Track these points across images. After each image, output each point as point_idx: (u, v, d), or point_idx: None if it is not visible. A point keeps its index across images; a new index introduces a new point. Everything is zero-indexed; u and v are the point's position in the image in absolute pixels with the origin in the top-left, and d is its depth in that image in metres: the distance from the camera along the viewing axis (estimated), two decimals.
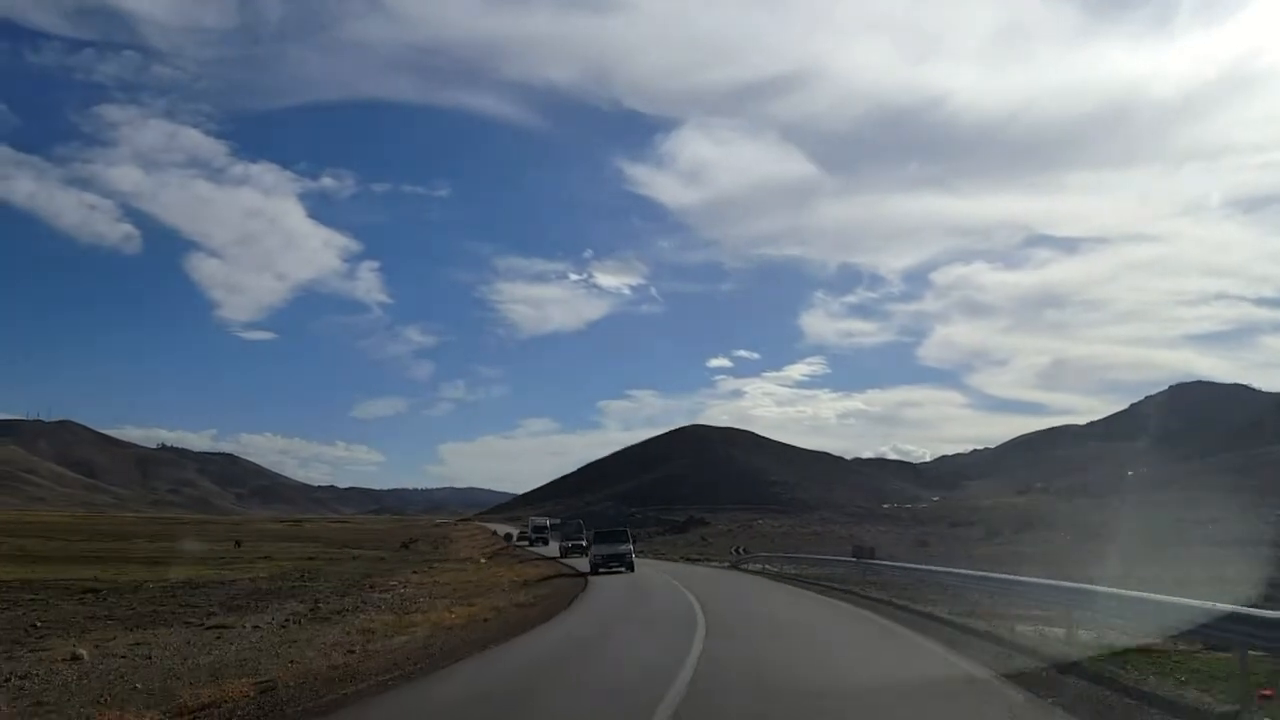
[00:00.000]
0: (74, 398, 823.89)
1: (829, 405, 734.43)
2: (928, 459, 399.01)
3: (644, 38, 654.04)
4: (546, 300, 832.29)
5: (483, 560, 61.91)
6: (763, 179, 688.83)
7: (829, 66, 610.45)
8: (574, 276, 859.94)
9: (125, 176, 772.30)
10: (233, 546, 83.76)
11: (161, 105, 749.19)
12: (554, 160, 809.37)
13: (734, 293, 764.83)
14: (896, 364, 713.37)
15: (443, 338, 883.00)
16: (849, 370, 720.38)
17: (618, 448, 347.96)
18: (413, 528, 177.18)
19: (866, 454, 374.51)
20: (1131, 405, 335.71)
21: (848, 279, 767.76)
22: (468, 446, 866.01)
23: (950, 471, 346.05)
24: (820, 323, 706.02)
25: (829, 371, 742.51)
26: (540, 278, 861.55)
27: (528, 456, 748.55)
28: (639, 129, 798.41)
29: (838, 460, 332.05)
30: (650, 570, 46.81)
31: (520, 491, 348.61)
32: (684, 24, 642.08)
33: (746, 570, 48.27)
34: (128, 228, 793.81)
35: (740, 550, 53.01)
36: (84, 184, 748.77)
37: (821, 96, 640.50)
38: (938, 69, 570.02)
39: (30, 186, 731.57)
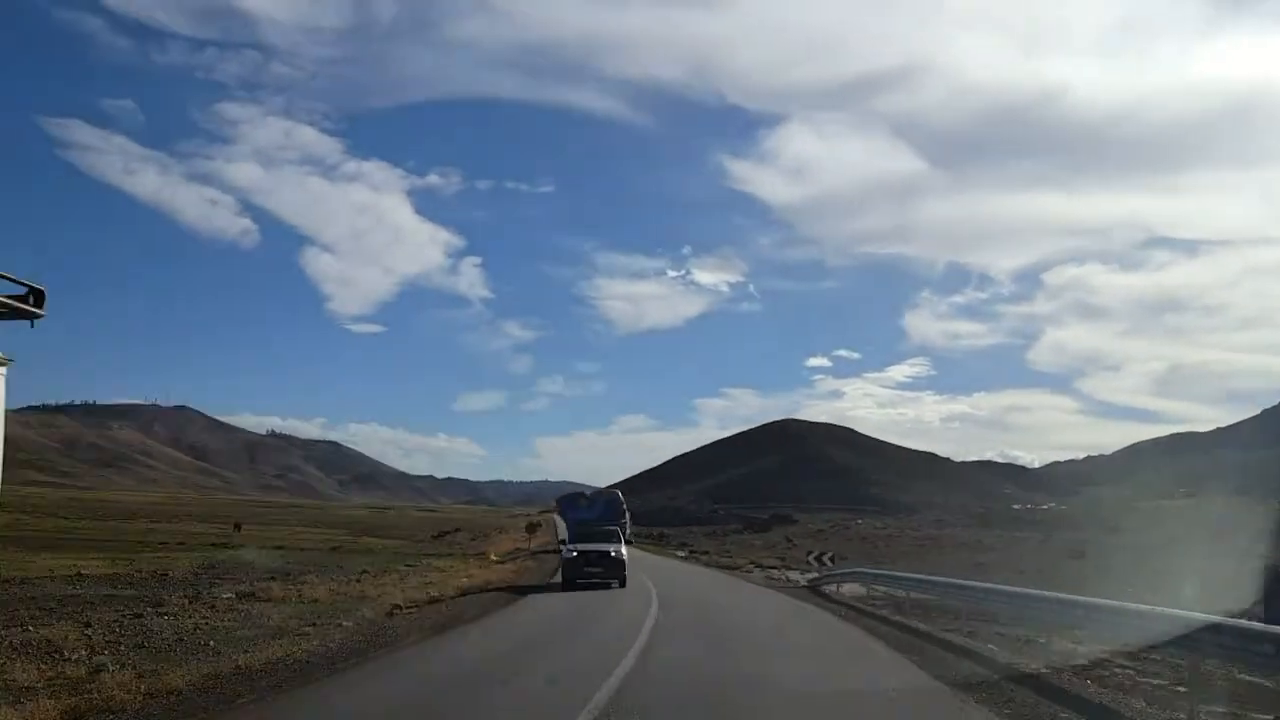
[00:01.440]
0: (191, 384, 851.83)
1: (932, 408, 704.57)
2: (1035, 465, 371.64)
3: (749, 32, 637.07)
4: (644, 297, 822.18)
5: (493, 558, 48.23)
6: (868, 175, 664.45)
7: (940, 60, 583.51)
8: (672, 273, 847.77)
9: (244, 173, 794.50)
10: (232, 530, 73.52)
11: (279, 103, 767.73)
12: (655, 156, 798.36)
13: (835, 291, 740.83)
14: (1005, 367, 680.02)
15: (542, 333, 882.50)
16: (954, 372, 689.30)
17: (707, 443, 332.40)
18: (487, 517, 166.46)
19: (971, 458, 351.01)
20: (1263, 411, 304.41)
21: (955, 279, 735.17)
22: (563, 441, 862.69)
23: (1064, 477, 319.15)
24: (925, 323, 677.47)
25: (933, 373, 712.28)
26: (639, 274, 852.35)
27: (622, 452, 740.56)
28: (742, 124, 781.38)
29: (943, 462, 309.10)
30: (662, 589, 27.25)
31: (601, 485, 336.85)
32: (790, 17, 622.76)
33: (833, 601, 24.50)
34: (246, 222, 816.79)
35: (824, 559, 29.76)
36: (205, 179, 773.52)
37: (931, 91, 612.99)
38: (1054, 62, 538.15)
39: (155, 181, 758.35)
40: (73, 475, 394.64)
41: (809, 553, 34.57)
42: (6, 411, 9.20)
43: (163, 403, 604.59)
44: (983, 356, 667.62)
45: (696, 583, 33.08)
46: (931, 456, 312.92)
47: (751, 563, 53.15)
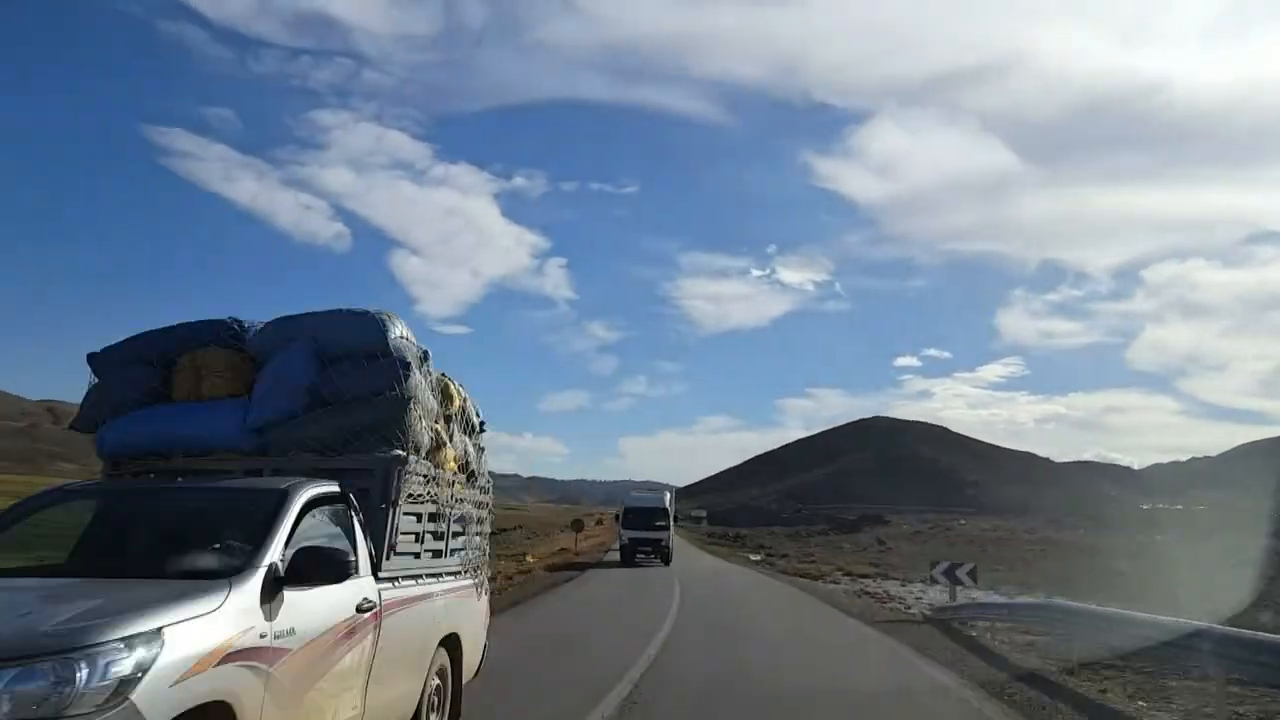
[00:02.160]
0: None
1: (1026, 408, 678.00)
2: (1136, 467, 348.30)
3: (835, 28, 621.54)
4: (728, 297, 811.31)
5: (531, 560, 39.40)
6: (958, 171, 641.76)
7: (1033, 52, 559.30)
8: (756, 272, 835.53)
9: (337, 178, 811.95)
10: None
11: (371, 109, 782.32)
12: (740, 156, 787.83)
13: (924, 289, 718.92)
14: (1102, 366, 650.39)
15: (625, 333, 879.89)
16: (1049, 372, 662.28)
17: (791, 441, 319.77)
18: (557, 516, 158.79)
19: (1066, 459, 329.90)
20: None
21: (1049, 276, 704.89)
22: (647, 441, 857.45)
23: (1168, 479, 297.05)
24: (1018, 321, 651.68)
25: (1027, 373, 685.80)
26: (723, 274, 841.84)
27: (705, 452, 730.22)
28: (829, 122, 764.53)
29: (1041, 461, 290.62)
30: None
31: (681, 484, 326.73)
32: (877, 12, 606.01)
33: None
34: (339, 226, 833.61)
35: (957, 573, 18.66)
36: (300, 185, 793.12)
37: (1023, 84, 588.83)
38: (1153, 53, 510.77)
39: (253, 187, 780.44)
40: None
41: (934, 564, 22.49)
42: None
43: None
44: (1078, 356, 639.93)
45: (753, 607, 21.39)
46: (1029, 456, 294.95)
47: (839, 570, 43.10)
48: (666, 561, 38.55)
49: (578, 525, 50.82)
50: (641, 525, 39.73)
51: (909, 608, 23.29)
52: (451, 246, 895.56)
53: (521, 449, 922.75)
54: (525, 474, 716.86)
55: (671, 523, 41.33)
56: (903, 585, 35.15)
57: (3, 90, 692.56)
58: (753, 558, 56.99)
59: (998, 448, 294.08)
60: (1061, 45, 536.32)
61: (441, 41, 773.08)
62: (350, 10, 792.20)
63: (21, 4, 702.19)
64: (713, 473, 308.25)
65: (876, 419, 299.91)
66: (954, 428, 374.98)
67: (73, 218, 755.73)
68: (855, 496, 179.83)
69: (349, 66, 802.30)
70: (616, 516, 42.66)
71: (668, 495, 43.78)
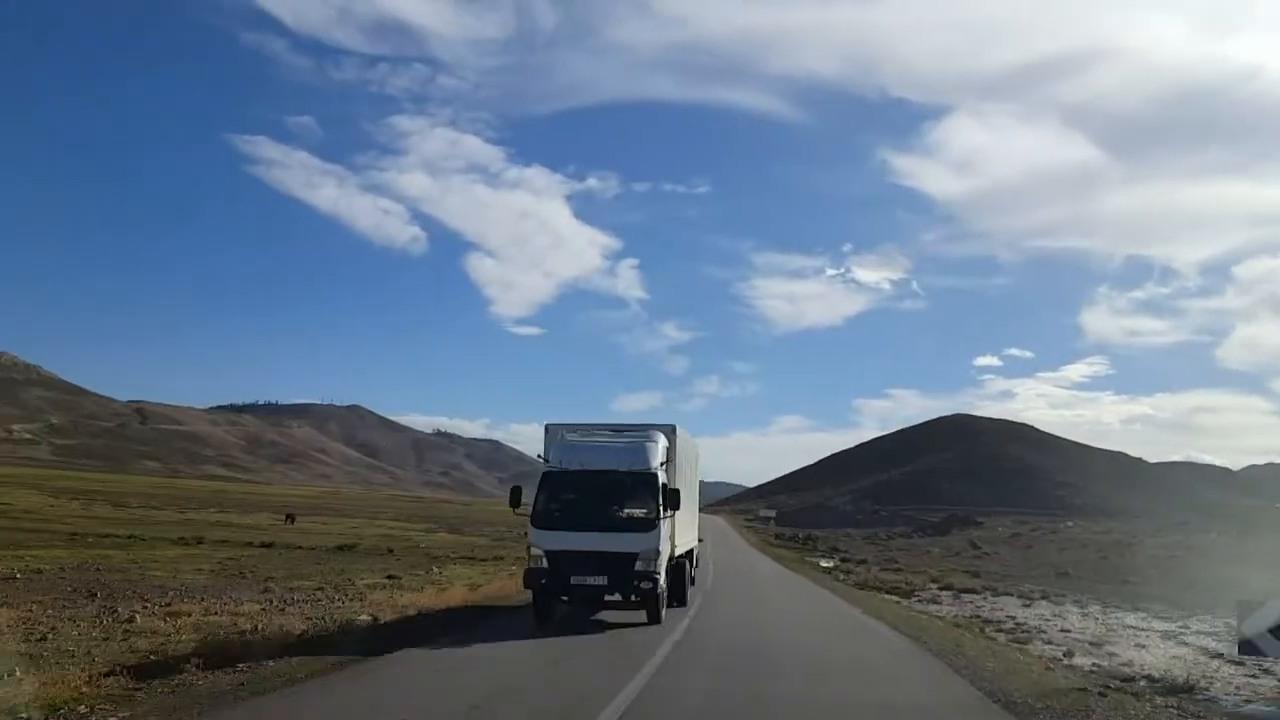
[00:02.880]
0: (364, 385, 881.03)
1: (1111, 409, 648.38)
2: (1234, 468, 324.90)
3: (913, 21, 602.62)
4: (803, 296, 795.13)
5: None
6: (1040, 166, 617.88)
7: (1118, 43, 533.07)
8: (831, 271, 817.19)
9: (414, 183, 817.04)
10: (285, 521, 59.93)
11: (446, 114, 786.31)
12: (815, 153, 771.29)
13: (1005, 287, 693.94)
14: (1191, 366, 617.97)
15: (698, 333, 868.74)
16: (1135, 372, 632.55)
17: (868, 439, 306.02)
18: None
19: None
20: None
21: (1135, 273, 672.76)
22: (720, 442, 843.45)
23: (1271, 480, 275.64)
24: (1103, 320, 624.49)
25: (1112, 373, 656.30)
26: (797, 273, 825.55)
27: (780, 453, 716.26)
28: (906, 117, 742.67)
29: (1134, 462, 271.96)
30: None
31: (749, 484, 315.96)
32: (956, 5, 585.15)
33: None
34: (415, 230, 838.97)
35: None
36: (379, 190, 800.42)
37: (1108, 76, 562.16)
38: (1244, 43, 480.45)
39: (333, 193, 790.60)
40: (253, 470, 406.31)
41: (1241, 605, 11.08)
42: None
43: (337, 403, 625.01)
44: (1166, 355, 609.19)
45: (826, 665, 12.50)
46: (1120, 456, 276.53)
47: (932, 580, 33.88)
48: (655, 616, 15.77)
49: None
50: (587, 517, 15.81)
51: (1068, 656, 14.22)
52: (525, 248, 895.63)
53: None
54: None
55: (683, 513, 17.51)
56: (1025, 605, 26.04)
57: (97, 103, 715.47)
58: (824, 564, 47.99)
59: (1086, 447, 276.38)
60: (1146, 35, 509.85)
61: (513, 45, 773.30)
62: (426, 16, 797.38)
63: (114, 20, 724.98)
64: (785, 472, 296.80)
65: (956, 416, 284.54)
66: (1039, 427, 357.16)
67: (162, 226, 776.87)
68: (936, 497, 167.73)
69: (425, 72, 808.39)
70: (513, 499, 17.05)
71: (661, 443, 16.99)
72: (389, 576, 27.48)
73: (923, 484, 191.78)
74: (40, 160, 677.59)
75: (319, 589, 23.02)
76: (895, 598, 27.16)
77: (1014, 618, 22.76)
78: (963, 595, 29.77)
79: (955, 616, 22.02)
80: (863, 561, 49.05)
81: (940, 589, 31.58)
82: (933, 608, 24.34)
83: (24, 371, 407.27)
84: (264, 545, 39.14)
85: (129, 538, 38.66)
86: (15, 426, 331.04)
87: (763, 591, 25.80)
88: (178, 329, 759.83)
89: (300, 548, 39.42)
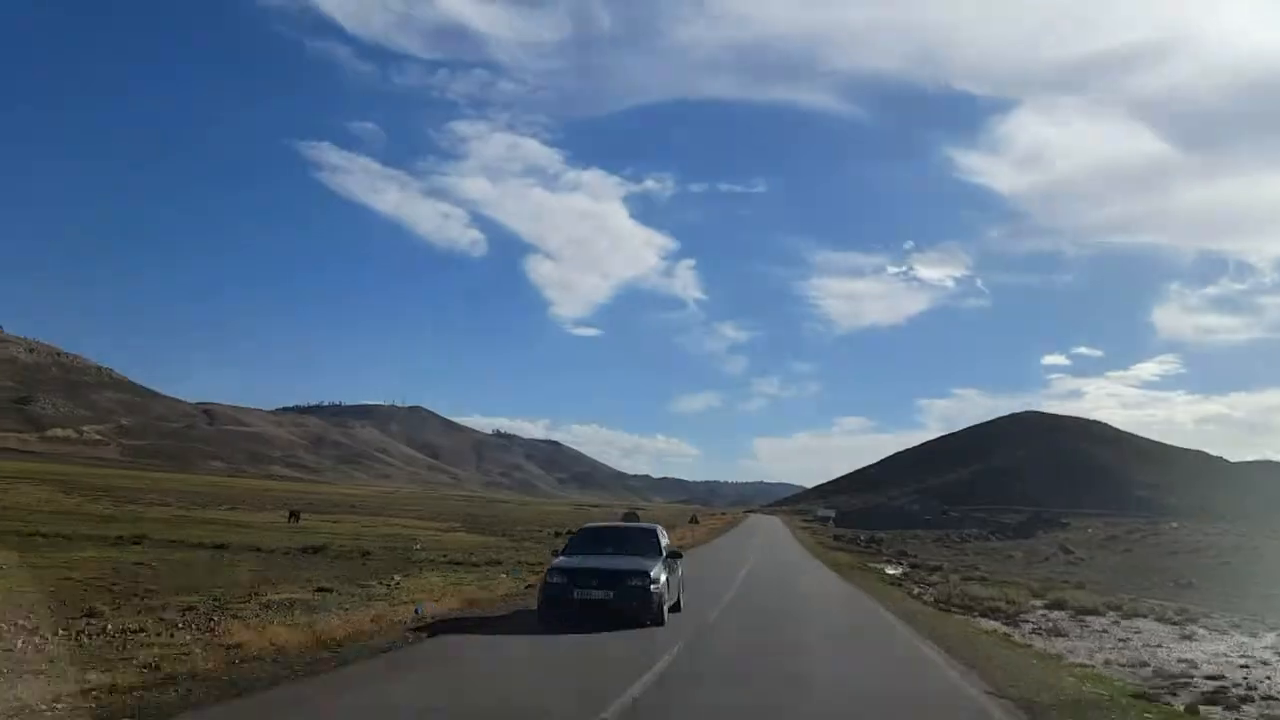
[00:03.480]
0: (426, 386, 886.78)
1: (1184, 408, 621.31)
2: None
3: (977, 14, 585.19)
4: (863, 294, 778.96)
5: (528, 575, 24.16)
6: (1108, 161, 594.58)
7: (1189, 34, 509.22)
8: (893, 269, 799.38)
9: (474, 186, 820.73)
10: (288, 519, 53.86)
11: (505, 118, 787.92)
12: (875, 150, 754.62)
13: (1073, 284, 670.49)
14: (1268, 363, 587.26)
15: (757, 333, 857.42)
16: (1209, 370, 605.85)
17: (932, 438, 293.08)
18: (655, 514, 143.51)
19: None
20: None
21: (1209, 269, 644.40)
22: (781, 442, 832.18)
23: None
24: (1175, 317, 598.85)
25: (1184, 371, 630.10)
26: (857, 271, 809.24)
27: (841, 454, 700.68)
28: (970, 113, 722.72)
29: (1216, 461, 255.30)
30: None
31: (809, 485, 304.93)
32: None
33: None
34: (476, 233, 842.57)
35: None
36: (440, 194, 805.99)
37: (1179, 68, 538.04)
38: None
39: (396, 197, 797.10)
40: (317, 471, 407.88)
41: None
42: None
43: (400, 404, 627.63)
44: (1241, 353, 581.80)
45: None
46: (1200, 455, 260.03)
47: (1033, 595, 25.51)
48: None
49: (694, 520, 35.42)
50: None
51: None
52: (583, 250, 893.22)
53: (653, 450, 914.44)
54: (656, 475, 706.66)
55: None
56: (1182, 635, 17.81)
57: (166, 110, 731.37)
58: (890, 571, 39.70)
59: (1165, 445, 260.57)
60: (1219, 25, 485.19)
61: (570, 48, 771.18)
62: (485, 21, 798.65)
63: (185, 32, 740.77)
64: (845, 472, 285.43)
65: (1026, 414, 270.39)
66: (1113, 424, 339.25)
67: (230, 230, 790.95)
68: (1008, 497, 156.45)
69: (484, 76, 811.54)
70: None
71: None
72: (319, 590, 20.42)
73: (993, 484, 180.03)
74: (114, 168, 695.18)
75: (189, 610, 16.14)
76: (994, 623, 19.16)
77: (1190, 661, 14.67)
78: (1082, 617, 21.66)
79: (1109, 662, 14.05)
80: (937, 568, 40.69)
81: (1047, 607, 23.48)
82: (1060, 643, 16.22)
83: (95, 374, 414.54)
84: (217, 546, 32.45)
85: (51, 536, 32.23)
86: (86, 427, 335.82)
87: (799, 615, 18.12)
88: (246, 332, 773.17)
89: (260, 550, 32.62)
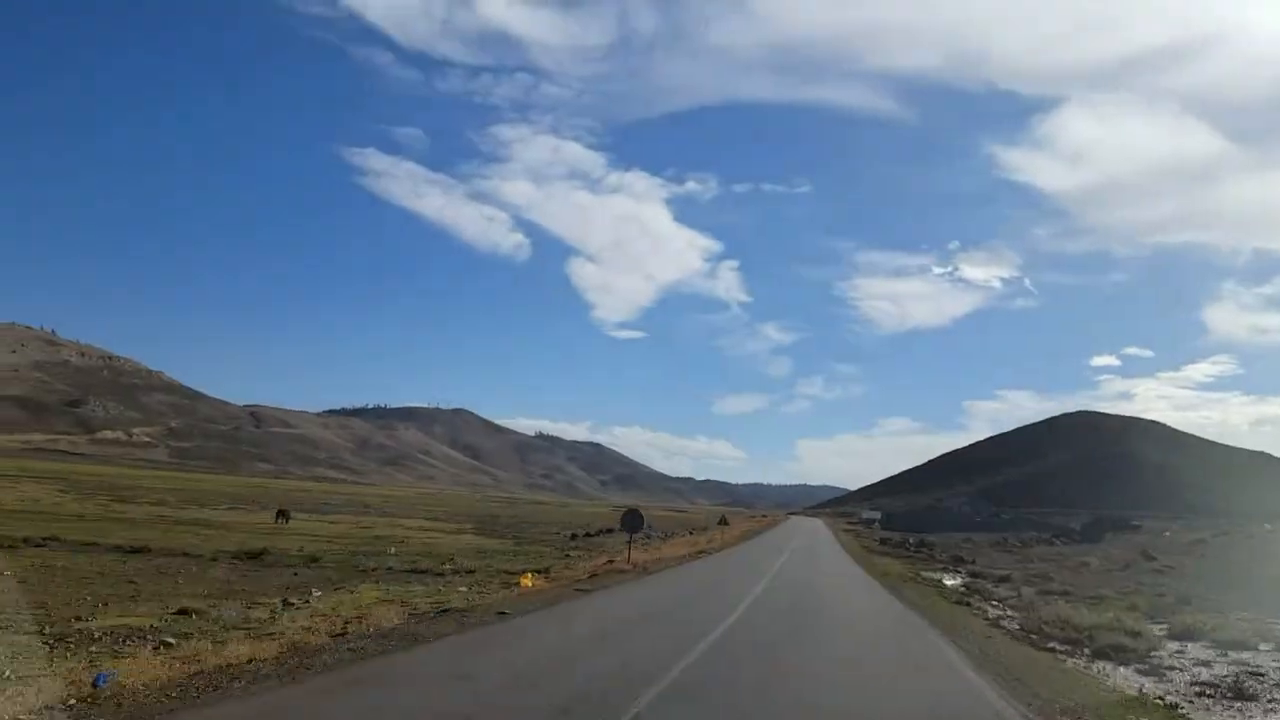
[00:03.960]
0: (469, 389, 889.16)
1: (1239, 410, 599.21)
2: None
3: (1020, 10, 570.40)
4: (907, 296, 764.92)
5: (528, 583, 18.26)
6: (1158, 157, 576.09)
7: (1238, 26, 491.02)
8: (938, 270, 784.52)
9: (517, 190, 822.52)
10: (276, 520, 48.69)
11: (548, 122, 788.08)
12: (918, 150, 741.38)
13: (1122, 284, 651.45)
14: None
15: (800, 335, 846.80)
16: (1266, 371, 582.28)
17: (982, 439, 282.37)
18: (691, 517, 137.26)
19: None
20: None
21: (1264, 267, 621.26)
22: (824, 444, 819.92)
23: None
24: (1228, 316, 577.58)
25: (1240, 372, 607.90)
26: (901, 272, 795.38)
27: (886, 455, 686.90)
28: (1014, 111, 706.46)
29: (1275, 461, 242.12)
30: None
31: (854, 487, 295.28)
32: None
33: None
34: (519, 236, 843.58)
35: None
36: (483, 198, 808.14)
37: (1230, 61, 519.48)
38: None
39: (439, 201, 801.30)
40: (361, 472, 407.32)
41: None
42: None
43: (443, 406, 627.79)
44: None
45: None
46: (1263, 456, 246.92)
47: (1150, 620, 19.00)
48: None
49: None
50: None
51: None
52: (625, 252, 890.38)
53: (695, 452, 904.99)
54: (699, 477, 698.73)
55: None
56: None
57: (213, 117, 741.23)
58: (948, 582, 33.27)
59: (1224, 446, 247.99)
60: (1271, 17, 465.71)
61: (614, 51, 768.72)
62: (527, 26, 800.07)
63: (228, 41, 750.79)
64: (892, 473, 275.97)
65: (1079, 414, 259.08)
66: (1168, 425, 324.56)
67: (277, 236, 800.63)
68: (1063, 499, 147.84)
69: (527, 81, 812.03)
70: None
71: None
72: (179, 613, 15.02)
73: (1046, 486, 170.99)
74: (165, 181, 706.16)
75: None
76: (1125, 670, 13.00)
77: None
78: (1233, 653, 15.41)
79: None
80: (1004, 579, 34.20)
81: (1171, 636, 17.21)
82: None
83: (146, 377, 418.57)
84: (133, 550, 27.20)
85: None
86: (136, 430, 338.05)
87: (830, 653, 12.22)
88: (294, 336, 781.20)
89: (189, 554, 27.31)
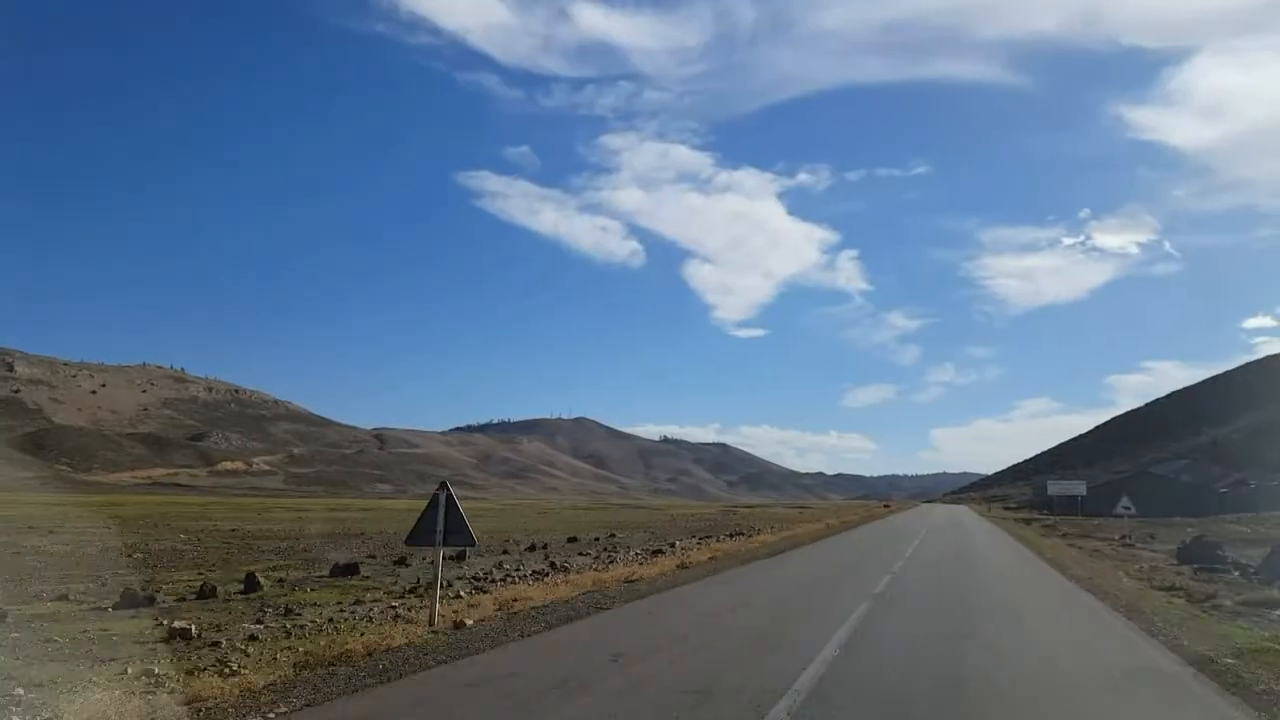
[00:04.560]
0: (591, 398, 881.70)
1: None
2: None
3: None
4: (1038, 271, 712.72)
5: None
6: None
7: None
8: (1068, 241, 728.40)
9: (628, 198, 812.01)
10: None
11: (653, 127, 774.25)
12: (1039, 118, 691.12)
13: (1273, 239, 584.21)
14: None
15: (927, 320, 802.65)
16: None
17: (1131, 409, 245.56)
18: (812, 511, 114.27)
19: None
20: None
21: None
22: (960, 431, 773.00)
23: None
24: None
25: None
26: (1030, 247, 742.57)
27: (1025, 439, 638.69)
28: (1141, 66, 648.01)
29: None
30: None
31: (988, 471, 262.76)
32: None
33: None
34: (633, 244, 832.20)
35: None
36: (595, 209, 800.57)
37: None
38: None
39: (553, 216, 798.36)
40: (484, 487, 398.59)
41: None
42: None
43: (565, 416, 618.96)
44: None
45: None
46: None
47: None
48: None
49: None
50: None
51: None
52: (741, 250, 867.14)
53: (828, 447, 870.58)
54: (831, 472, 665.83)
55: None
56: None
57: (341, 151, 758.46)
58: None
59: None
60: None
61: (713, 49, 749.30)
62: (625, 33, 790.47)
63: (345, 79, 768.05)
64: (1033, 454, 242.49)
65: (1256, 364, 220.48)
66: None
67: (400, 265, 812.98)
68: (1255, 468, 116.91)
69: (629, 88, 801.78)
70: None
71: None
72: None
73: (1254, 445, 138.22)
74: (296, 217, 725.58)
75: None
76: None
77: None
78: None
79: None
80: None
81: None
82: None
83: (273, 407, 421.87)
84: None
85: None
86: (256, 459, 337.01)
87: None
88: (421, 358, 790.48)
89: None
